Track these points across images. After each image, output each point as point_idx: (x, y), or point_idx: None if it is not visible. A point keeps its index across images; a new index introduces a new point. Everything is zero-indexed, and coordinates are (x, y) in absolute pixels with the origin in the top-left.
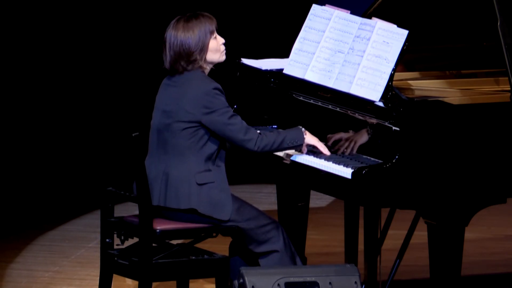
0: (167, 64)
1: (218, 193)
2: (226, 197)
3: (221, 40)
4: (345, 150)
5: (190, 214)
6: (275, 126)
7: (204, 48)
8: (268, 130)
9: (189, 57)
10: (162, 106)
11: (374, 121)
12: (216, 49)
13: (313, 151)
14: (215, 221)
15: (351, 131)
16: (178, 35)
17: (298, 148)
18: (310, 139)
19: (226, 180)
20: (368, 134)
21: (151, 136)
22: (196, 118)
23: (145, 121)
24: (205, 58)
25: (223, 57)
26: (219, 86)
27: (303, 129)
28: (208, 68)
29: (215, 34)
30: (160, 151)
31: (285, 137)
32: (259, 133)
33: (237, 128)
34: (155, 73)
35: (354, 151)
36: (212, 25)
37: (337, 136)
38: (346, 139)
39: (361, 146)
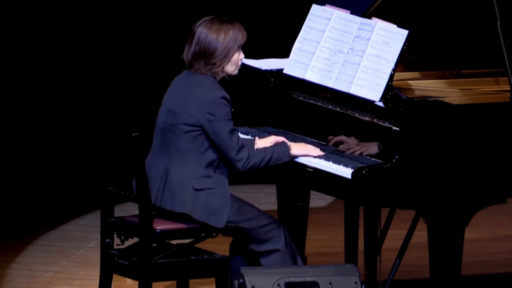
0: (187, 57)
1: (216, 200)
2: (224, 205)
3: (242, 56)
4: (352, 152)
5: (183, 218)
6: (274, 129)
7: (227, 57)
8: (267, 130)
9: (210, 58)
10: (169, 105)
11: (378, 123)
12: (235, 63)
13: None
14: (209, 227)
15: (352, 136)
16: (210, 35)
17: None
18: (297, 150)
19: (228, 188)
20: (379, 148)
21: (156, 134)
22: (199, 122)
23: (147, 120)
24: (224, 66)
25: (236, 72)
26: (227, 96)
27: (288, 143)
28: (221, 75)
29: (240, 48)
30: (163, 150)
31: (271, 155)
32: (249, 153)
33: (232, 145)
34: (155, 73)
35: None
36: (243, 39)
37: (339, 138)
38: (357, 144)
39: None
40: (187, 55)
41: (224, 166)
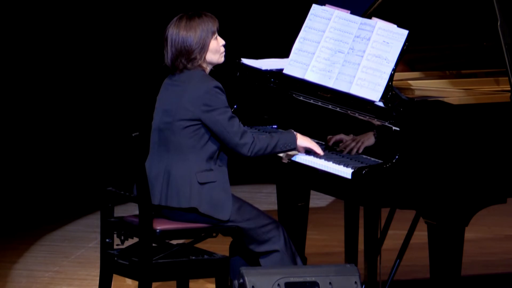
0: (168, 61)
1: (219, 193)
2: (227, 197)
3: (221, 42)
4: (350, 151)
5: (191, 214)
6: (275, 126)
7: (204, 48)
8: (267, 130)
9: (189, 55)
10: (163, 105)
11: (377, 123)
12: (216, 50)
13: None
14: (215, 221)
15: (351, 135)
16: (180, 33)
17: (292, 151)
18: (302, 141)
19: (228, 180)
20: (375, 137)
21: (152, 136)
22: (195, 115)
23: (146, 121)
24: (205, 57)
25: (222, 59)
26: (219, 85)
27: (295, 132)
28: (208, 68)
29: (216, 35)
30: (161, 150)
31: (278, 141)
32: (253, 138)
33: (234, 131)
34: (155, 73)
35: (360, 152)
36: (214, 26)
37: (338, 137)
38: (353, 140)
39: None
40: (167, 60)
41: (228, 156)
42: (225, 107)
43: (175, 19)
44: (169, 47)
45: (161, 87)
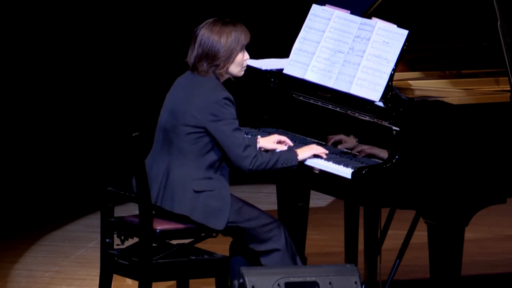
0: (191, 59)
1: (215, 202)
2: (224, 207)
3: (247, 56)
4: (360, 151)
5: (182, 219)
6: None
7: (230, 58)
8: (267, 131)
9: (213, 60)
10: (171, 105)
11: (378, 122)
12: (240, 63)
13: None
14: (208, 229)
15: (351, 135)
16: (211, 37)
17: (293, 167)
18: (304, 154)
19: (228, 190)
20: (388, 154)
21: (157, 133)
22: (201, 124)
23: (148, 120)
24: (228, 67)
25: (242, 73)
26: (230, 96)
27: (294, 149)
28: (225, 77)
29: (244, 49)
30: (164, 151)
31: (279, 157)
32: (256, 152)
33: (238, 142)
34: (155, 73)
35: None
36: (246, 40)
37: (338, 137)
38: (369, 147)
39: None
40: (190, 58)
41: (228, 167)
42: (233, 119)
43: (209, 21)
44: (196, 46)
45: (172, 86)
